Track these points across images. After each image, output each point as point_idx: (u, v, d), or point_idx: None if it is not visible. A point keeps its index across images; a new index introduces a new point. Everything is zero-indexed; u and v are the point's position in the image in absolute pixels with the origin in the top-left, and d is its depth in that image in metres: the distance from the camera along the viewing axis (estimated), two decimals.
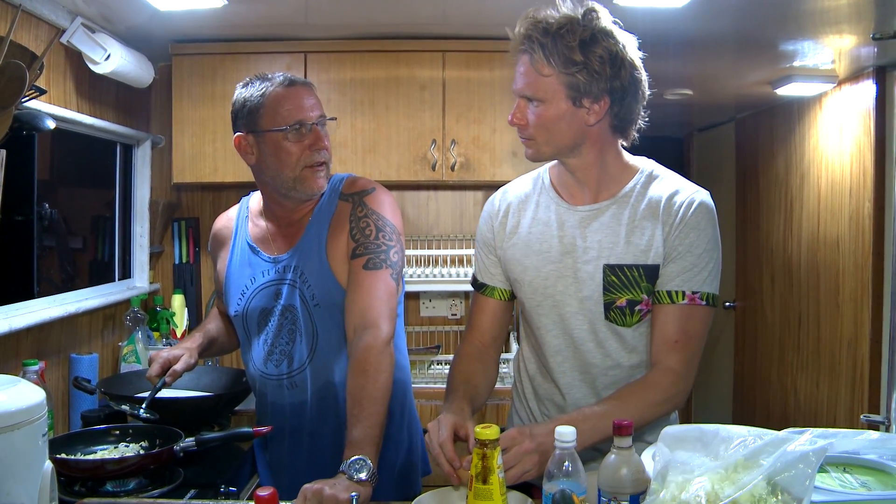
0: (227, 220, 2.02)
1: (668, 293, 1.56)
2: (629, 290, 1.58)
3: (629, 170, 1.65)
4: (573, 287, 1.62)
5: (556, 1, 1.53)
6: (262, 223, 1.92)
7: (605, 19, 1.52)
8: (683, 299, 1.55)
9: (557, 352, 1.66)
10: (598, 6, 1.53)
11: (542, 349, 1.69)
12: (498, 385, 3.04)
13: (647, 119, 1.63)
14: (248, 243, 1.92)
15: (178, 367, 1.91)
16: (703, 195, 1.60)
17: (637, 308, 1.59)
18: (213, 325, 2.12)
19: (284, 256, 1.85)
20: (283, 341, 1.84)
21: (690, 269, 1.55)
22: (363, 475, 1.44)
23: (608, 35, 1.51)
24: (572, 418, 1.43)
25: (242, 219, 1.97)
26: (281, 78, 1.79)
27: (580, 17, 1.51)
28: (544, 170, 1.75)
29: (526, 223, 1.70)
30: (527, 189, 1.75)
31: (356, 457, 1.46)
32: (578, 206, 1.65)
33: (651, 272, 1.57)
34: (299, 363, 1.83)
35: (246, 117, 1.80)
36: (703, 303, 1.56)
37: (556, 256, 1.64)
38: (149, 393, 1.94)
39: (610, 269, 1.58)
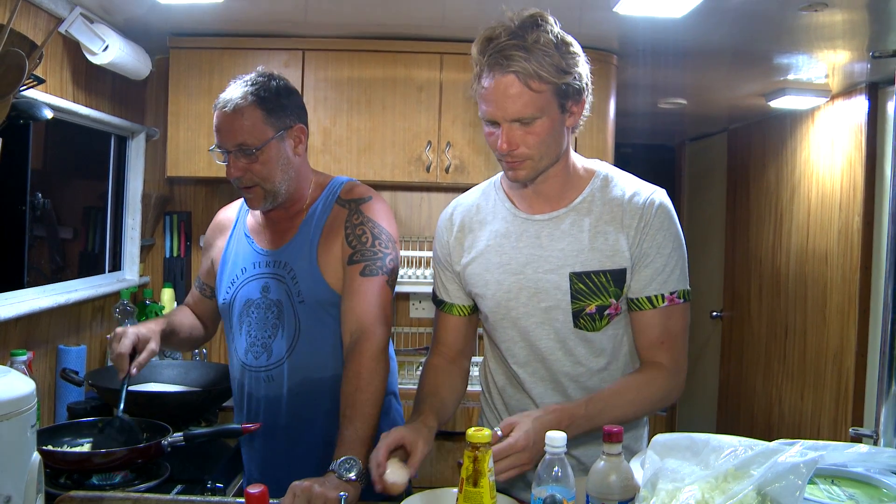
0: (231, 210, 2.03)
1: (648, 299, 1.56)
2: (598, 296, 1.57)
3: (585, 173, 1.63)
4: (535, 298, 1.60)
5: (505, 15, 1.48)
6: (259, 215, 1.92)
7: (551, 20, 1.49)
8: (664, 302, 1.56)
9: (526, 363, 1.65)
10: (537, 10, 1.49)
11: (508, 362, 1.67)
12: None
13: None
14: (245, 233, 1.93)
15: (141, 357, 1.84)
16: (661, 195, 1.60)
17: (606, 312, 1.58)
18: (177, 318, 2.06)
19: (276, 251, 1.86)
20: (265, 334, 1.84)
21: (662, 270, 1.56)
22: (352, 475, 1.45)
23: (565, 34, 1.49)
24: (579, 405, 1.47)
25: (244, 209, 1.97)
26: (223, 94, 1.77)
27: (537, 23, 1.46)
28: (496, 180, 1.72)
29: (483, 237, 1.67)
30: (479, 201, 1.71)
31: (346, 456, 1.47)
32: (535, 216, 1.62)
33: (618, 276, 1.56)
34: (277, 358, 1.83)
35: None
36: (681, 300, 1.57)
37: (517, 268, 1.61)
38: (123, 393, 1.87)
39: (577, 277, 1.56)
